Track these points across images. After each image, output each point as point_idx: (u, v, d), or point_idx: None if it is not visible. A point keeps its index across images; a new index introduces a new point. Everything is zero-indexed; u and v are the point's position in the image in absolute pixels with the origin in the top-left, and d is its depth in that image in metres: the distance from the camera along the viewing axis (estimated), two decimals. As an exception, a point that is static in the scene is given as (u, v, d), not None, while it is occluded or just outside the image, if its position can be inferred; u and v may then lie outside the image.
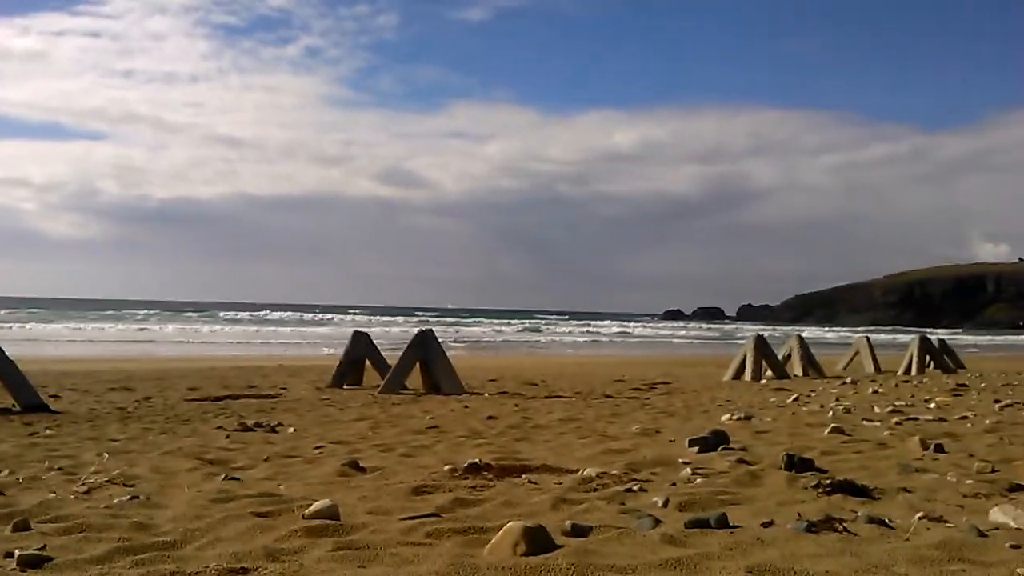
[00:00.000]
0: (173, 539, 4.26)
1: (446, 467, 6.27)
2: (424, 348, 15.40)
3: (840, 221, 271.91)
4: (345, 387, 15.77)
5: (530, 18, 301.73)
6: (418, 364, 15.38)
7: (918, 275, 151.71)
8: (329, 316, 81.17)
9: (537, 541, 3.87)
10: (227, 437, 8.67)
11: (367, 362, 16.87)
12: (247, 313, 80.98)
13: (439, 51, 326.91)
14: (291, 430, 9.28)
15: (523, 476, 6.00)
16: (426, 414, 11.03)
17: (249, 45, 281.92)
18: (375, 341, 17.51)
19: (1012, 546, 3.91)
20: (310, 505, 4.76)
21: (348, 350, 16.77)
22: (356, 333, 17.45)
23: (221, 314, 79.38)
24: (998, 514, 4.46)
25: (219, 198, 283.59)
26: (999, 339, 74.18)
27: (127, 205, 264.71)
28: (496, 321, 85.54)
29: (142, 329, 50.96)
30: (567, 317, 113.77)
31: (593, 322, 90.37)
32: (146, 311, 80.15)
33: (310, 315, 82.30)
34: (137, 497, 5.35)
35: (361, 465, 6.54)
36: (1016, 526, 4.29)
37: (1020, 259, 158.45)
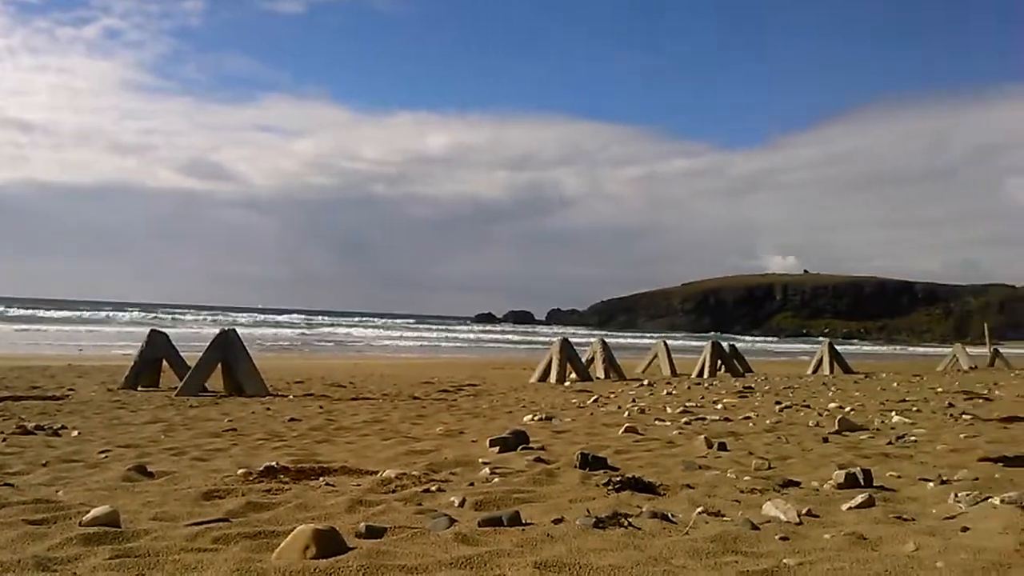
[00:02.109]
0: (-69, 551, 3.92)
1: (240, 471, 6.07)
2: (226, 348, 14.89)
3: (643, 230, 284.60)
4: (140, 389, 15.02)
5: (344, 15, 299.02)
6: (220, 365, 14.87)
7: (713, 284, 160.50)
8: (124, 314, 77.06)
9: (328, 544, 3.81)
10: (3, 440, 8.06)
11: (164, 362, 16.13)
12: (33, 310, 75.57)
13: (248, 42, 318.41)
14: (75, 433, 8.74)
15: (321, 479, 5.89)
16: (225, 416, 10.66)
17: (44, 24, 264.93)
18: (174, 341, 16.74)
19: (781, 538, 4.17)
20: (89, 512, 4.50)
21: (143, 350, 15.97)
22: (152, 332, 16.63)
23: (3, 310, 73.76)
24: (770, 508, 4.76)
25: (5, 183, 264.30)
26: (786, 345, 79.46)
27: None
28: (305, 321, 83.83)
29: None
30: (379, 319, 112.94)
31: (405, 324, 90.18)
32: (-84, 305, 73.42)
33: (103, 312, 77.81)
34: None
35: (149, 470, 6.23)
36: (786, 519, 4.58)
37: (806, 271, 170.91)
